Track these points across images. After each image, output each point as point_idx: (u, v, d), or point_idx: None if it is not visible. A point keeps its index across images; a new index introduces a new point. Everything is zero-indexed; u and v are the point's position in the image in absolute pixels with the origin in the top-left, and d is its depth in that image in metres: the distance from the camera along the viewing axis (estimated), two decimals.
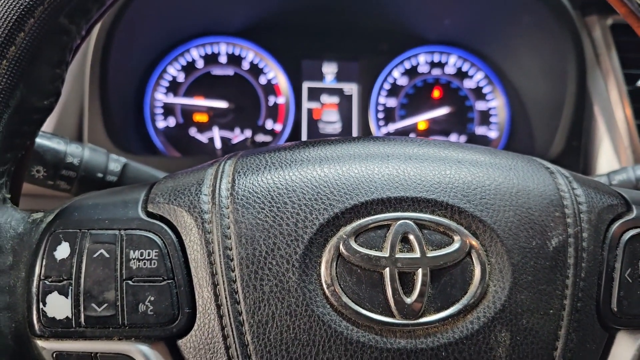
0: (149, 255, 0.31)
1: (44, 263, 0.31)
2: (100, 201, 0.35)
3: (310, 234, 0.31)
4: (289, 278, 0.30)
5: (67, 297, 0.31)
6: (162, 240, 0.32)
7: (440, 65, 0.93)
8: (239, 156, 0.35)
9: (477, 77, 0.92)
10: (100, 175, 0.55)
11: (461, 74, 0.93)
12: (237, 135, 0.89)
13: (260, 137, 0.90)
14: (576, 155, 0.77)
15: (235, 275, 0.30)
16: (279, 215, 0.31)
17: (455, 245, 0.30)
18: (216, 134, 0.88)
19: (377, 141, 0.36)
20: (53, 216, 0.33)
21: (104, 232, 0.32)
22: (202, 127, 0.89)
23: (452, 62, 0.93)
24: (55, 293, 0.31)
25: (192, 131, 0.89)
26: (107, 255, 0.31)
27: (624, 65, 0.80)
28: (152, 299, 0.31)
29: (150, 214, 0.33)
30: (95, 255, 0.31)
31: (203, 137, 0.89)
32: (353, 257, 0.30)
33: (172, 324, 0.31)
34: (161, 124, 0.88)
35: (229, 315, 0.30)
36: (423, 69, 0.93)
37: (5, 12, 0.29)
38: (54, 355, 0.31)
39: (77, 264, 0.31)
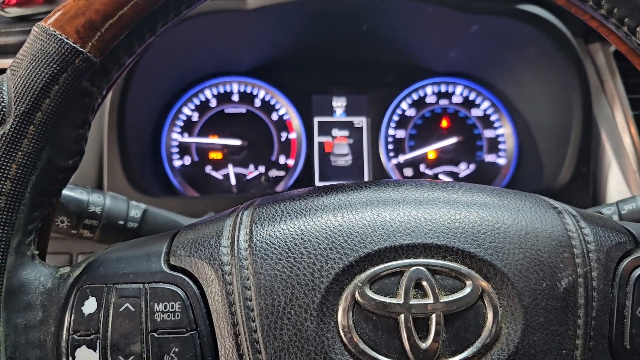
0: (172, 308, 0.33)
1: (72, 318, 0.33)
2: (124, 254, 0.36)
3: (326, 283, 0.32)
4: (308, 327, 0.31)
5: (95, 350, 0.32)
6: (184, 292, 0.33)
7: (448, 95, 0.95)
8: (256, 206, 0.37)
9: (484, 106, 0.94)
10: (121, 222, 0.57)
11: (468, 103, 0.95)
12: (252, 171, 0.92)
13: (274, 172, 0.92)
14: (585, 181, 0.78)
15: (255, 326, 0.31)
16: (296, 266, 0.32)
17: (467, 290, 0.31)
18: (231, 171, 0.90)
19: (388, 186, 0.37)
20: (80, 271, 0.35)
21: (129, 287, 0.33)
22: (217, 165, 0.91)
23: (459, 91, 0.95)
24: (84, 347, 0.32)
25: (208, 169, 0.91)
26: (133, 309, 0.32)
27: (629, 91, 0.81)
28: (177, 350, 0.32)
29: (172, 267, 0.35)
30: (121, 309, 0.32)
31: (218, 174, 0.91)
32: (369, 304, 0.31)
33: None
34: (177, 162, 0.91)
35: None
36: (430, 99, 0.95)
37: (33, 80, 0.31)
38: None
39: (104, 318, 0.32)
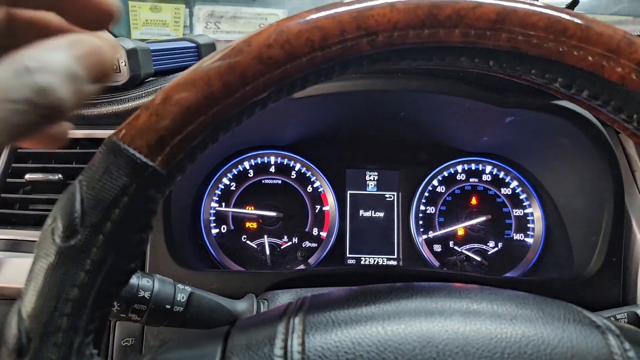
0: None
1: None
2: (180, 357, 0.38)
3: None
4: None
5: None
6: None
7: (477, 173, 0.97)
8: (306, 309, 0.38)
9: (513, 184, 0.96)
10: (168, 306, 0.60)
11: (497, 182, 0.97)
12: (285, 242, 0.94)
13: (307, 244, 0.94)
14: (616, 271, 0.78)
15: None
16: None
17: None
18: (266, 241, 0.93)
19: (434, 294, 0.38)
20: None
21: None
22: (253, 234, 0.94)
23: (489, 170, 0.97)
24: None
25: (243, 238, 0.94)
26: None
27: None
28: None
29: None
30: None
31: (253, 244, 0.94)
32: None
33: None
34: (214, 231, 0.94)
35: None
36: (460, 177, 0.97)
37: (104, 193, 0.33)
38: None
39: None
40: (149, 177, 0.34)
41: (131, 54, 0.83)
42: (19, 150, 0.85)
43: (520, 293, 0.39)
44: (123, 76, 0.83)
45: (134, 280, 0.59)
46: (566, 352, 0.34)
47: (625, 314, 0.56)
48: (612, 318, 0.53)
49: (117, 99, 0.85)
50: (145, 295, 0.59)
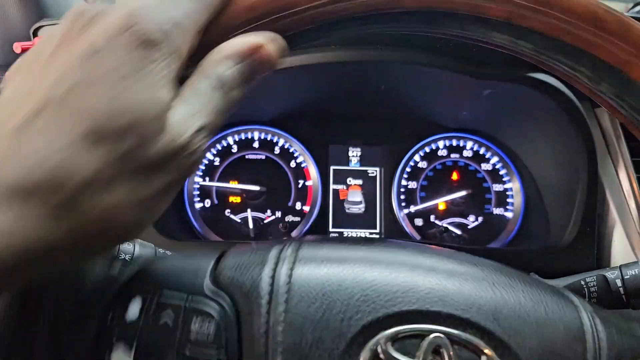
0: (207, 329, 0.34)
1: (115, 320, 0.35)
2: (174, 265, 0.39)
3: (353, 332, 0.34)
4: None
5: (129, 358, 0.34)
6: (222, 314, 0.35)
7: (458, 149, 0.99)
8: (300, 244, 0.39)
9: (493, 160, 0.98)
10: None
11: (478, 157, 0.99)
12: (269, 216, 0.96)
13: (290, 218, 0.96)
14: (590, 241, 0.80)
15: None
16: (328, 311, 0.34)
17: None
18: (249, 215, 0.94)
19: (423, 252, 0.40)
20: (131, 275, 0.38)
21: (172, 300, 0.36)
22: (236, 208, 0.95)
23: (469, 146, 0.99)
24: (119, 353, 0.34)
25: (227, 212, 0.95)
26: (171, 324, 0.34)
27: (633, 154, 0.84)
28: None
29: (216, 285, 0.37)
30: (160, 323, 0.35)
31: (237, 218, 0.95)
32: None
33: None
34: (198, 205, 0.95)
35: None
36: (442, 152, 0.99)
37: None
38: None
39: (143, 329, 0.34)
40: None
41: None
42: None
43: (506, 267, 0.41)
44: None
45: None
46: (540, 318, 0.35)
47: (595, 277, 0.57)
48: (582, 282, 0.55)
49: None
50: (127, 258, 0.60)
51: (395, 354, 0.33)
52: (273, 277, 0.36)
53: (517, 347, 0.34)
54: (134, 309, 0.35)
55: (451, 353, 0.34)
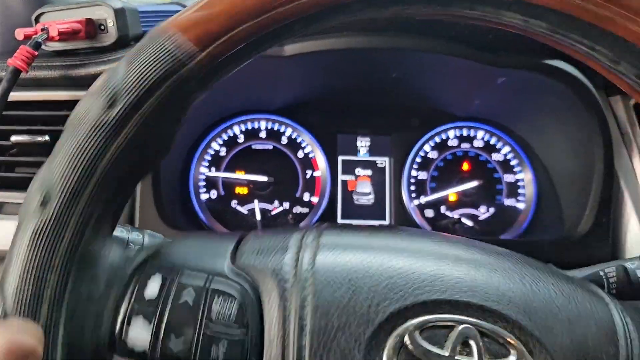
0: (229, 309, 0.34)
1: (132, 300, 0.35)
2: (193, 247, 0.39)
3: (380, 319, 0.33)
4: (354, 356, 0.32)
5: (148, 333, 0.34)
6: (243, 295, 0.35)
7: (469, 139, 0.97)
8: (323, 230, 0.39)
9: (504, 150, 0.96)
10: None
11: (489, 147, 0.97)
12: (276, 207, 0.94)
13: (298, 209, 0.94)
14: (605, 231, 0.79)
15: (304, 343, 0.33)
16: (355, 297, 0.34)
17: (511, 359, 0.33)
18: (256, 206, 0.93)
19: (452, 242, 0.39)
20: (149, 254, 0.37)
21: (193, 280, 0.35)
22: (243, 199, 0.94)
23: (480, 136, 0.97)
24: (138, 329, 0.34)
25: (233, 203, 0.93)
26: (191, 303, 0.34)
27: None
28: (224, 349, 0.33)
29: (236, 268, 0.37)
30: (180, 301, 0.34)
31: (244, 209, 0.93)
32: (415, 349, 0.32)
33: None
34: (204, 196, 0.93)
35: None
36: (452, 142, 0.97)
37: (147, 73, 0.33)
38: None
39: (163, 306, 0.34)
40: (194, 69, 0.33)
41: (119, 13, 0.81)
42: (4, 113, 0.83)
43: (533, 260, 0.40)
44: (111, 37, 0.82)
45: (123, 234, 0.59)
46: (571, 314, 0.34)
47: (614, 267, 0.56)
48: (600, 272, 0.54)
49: (105, 59, 0.83)
50: (136, 249, 0.59)
51: (424, 343, 0.32)
52: (297, 261, 0.36)
53: (548, 342, 0.33)
54: (153, 287, 0.35)
55: (481, 345, 0.32)
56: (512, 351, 0.33)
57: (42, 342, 0.28)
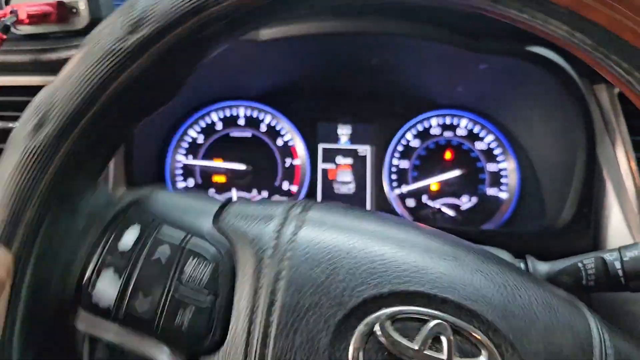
0: (201, 273, 0.33)
1: (110, 240, 0.34)
2: (179, 201, 0.38)
3: (354, 304, 0.32)
4: (321, 339, 0.31)
5: (115, 290, 0.32)
6: (218, 260, 0.34)
7: (452, 127, 0.96)
8: (310, 205, 0.38)
9: (487, 139, 0.95)
10: None
11: (472, 136, 0.95)
12: (255, 196, 0.92)
13: (277, 198, 0.92)
14: (587, 222, 0.78)
15: (272, 320, 0.31)
16: (331, 277, 0.32)
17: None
18: (234, 195, 0.91)
19: (442, 237, 0.38)
20: (133, 200, 0.36)
21: (170, 236, 0.34)
22: (221, 188, 0.92)
23: (464, 124, 0.95)
24: (111, 270, 0.33)
25: (211, 192, 0.91)
26: (164, 261, 0.33)
27: (632, 132, 0.82)
28: (190, 316, 0.32)
29: (216, 230, 0.36)
30: (153, 258, 0.33)
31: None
32: (385, 339, 0.31)
33: (200, 342, 0.32)
34: (181, 184, 0.91)
35: (254, 354, 0.31)
36: (435, 131, 0.95)
37: (170, 7, 0.31)
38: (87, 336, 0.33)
39: (135, 261, 0.33)
40: (226, 8, 0.31)
41: None
42: None
43: (516, 269, 0.39)
44: (83, 20, 0.79)
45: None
46: (549, 322, 0.33)
47: (593, 259, 0.55)
48: (579, 264, 0.53)
49: (76, 44, 0.80)
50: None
51: (394, 334, 0.31)
52: (279, 232, 0.34)
53: (522, 348, 0.32)
54: (128, 238, 0.34)
55: (452, 342, 0.31)
56: (483, 352, 0.32)
57: (10, 275, 0.28)
